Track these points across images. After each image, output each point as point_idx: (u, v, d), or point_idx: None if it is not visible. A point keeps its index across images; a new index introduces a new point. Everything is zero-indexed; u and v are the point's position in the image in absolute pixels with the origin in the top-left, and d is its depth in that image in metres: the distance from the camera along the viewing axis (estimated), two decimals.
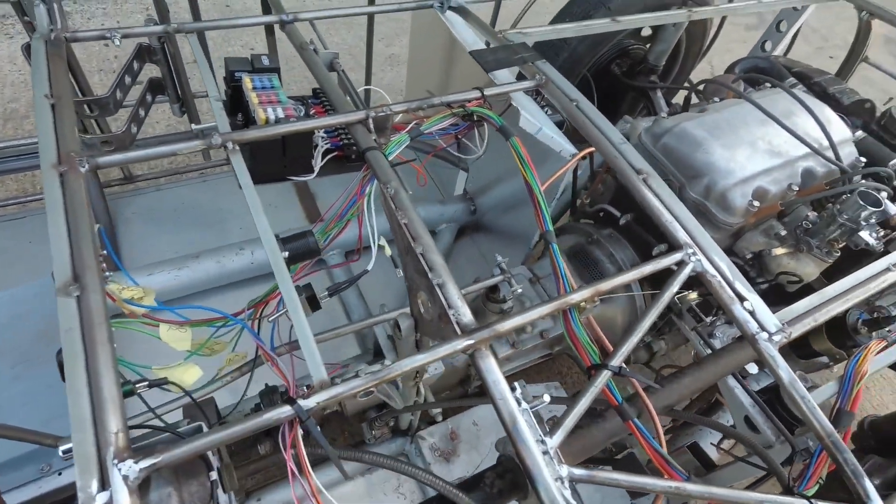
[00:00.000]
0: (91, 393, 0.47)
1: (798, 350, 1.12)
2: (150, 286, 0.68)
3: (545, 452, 0.54)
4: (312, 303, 0.65)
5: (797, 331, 0.67)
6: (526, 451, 0.53)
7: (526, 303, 1.18)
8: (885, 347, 0.75)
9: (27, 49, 1.02)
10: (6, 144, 1.25)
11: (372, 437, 1.15)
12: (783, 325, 0.67)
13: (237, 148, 0.69)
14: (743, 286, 0.68)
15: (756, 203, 0.98)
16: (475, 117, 0.80)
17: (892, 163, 1.17)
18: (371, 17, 1.51)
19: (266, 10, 1.10)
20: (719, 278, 0.69)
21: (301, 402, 0.48)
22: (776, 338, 0.65)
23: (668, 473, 0.60)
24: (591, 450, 0.69)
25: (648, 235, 1.06)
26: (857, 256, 1.02)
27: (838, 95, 1.30)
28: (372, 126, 0.76)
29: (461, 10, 1.06)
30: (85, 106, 1.04)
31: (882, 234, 1.00)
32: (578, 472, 0.54)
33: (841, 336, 1.04)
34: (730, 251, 1.12)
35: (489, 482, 0.59)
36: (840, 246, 1.01)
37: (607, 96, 1.87)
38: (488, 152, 0.97)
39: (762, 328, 0.66)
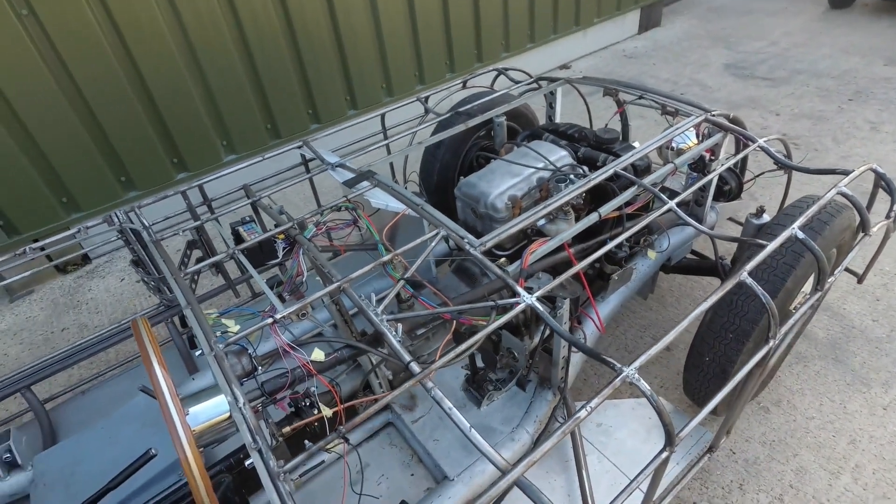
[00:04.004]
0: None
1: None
2: None
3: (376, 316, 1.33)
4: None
5: (489, 244, 1.48)
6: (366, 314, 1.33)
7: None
8: (543, 242, 1.54)
9: (135, 263, 1.99)
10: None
11: None
12: (483, 243, 1.48)
13: (242, 255, 1.58)
14: (468, 235, 1.51)
15: (509, 203, 1.83)
16: (342, 209, 1.71)
17: (601, 157, 2.03)
18: (310, 181, 2.51)
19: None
20: (458, 237, 1.52)
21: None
22: (479, 248, 1.46)
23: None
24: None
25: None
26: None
27: (571, 133, 2.22)
28: (297, 227, 1.66)
29: (341, 165, 2.03)
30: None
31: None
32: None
33: None
34: (523, 232, 1.94)
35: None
36: (565, 209, 1.83)
37: None
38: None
39: (472, 246, 1.47)
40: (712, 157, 2.01)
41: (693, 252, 2.30)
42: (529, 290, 1.36)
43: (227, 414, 1.15)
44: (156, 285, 2.05)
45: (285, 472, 1.00)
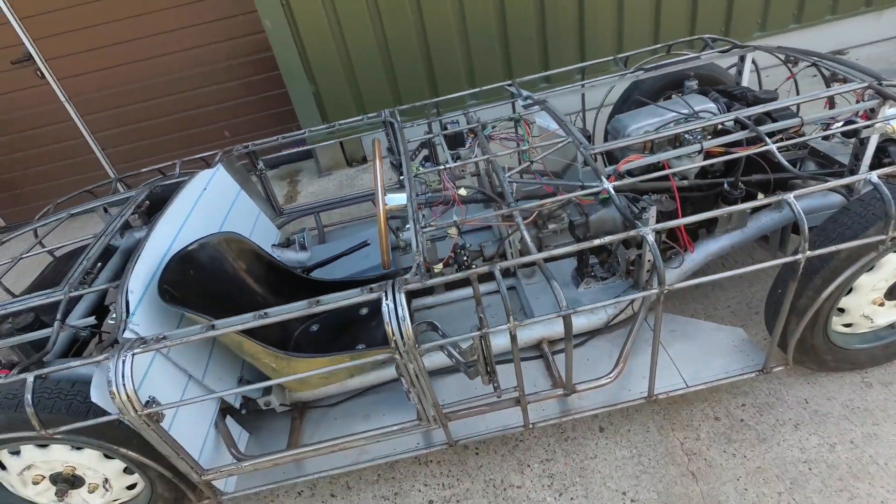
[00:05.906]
0: None
1: None
2: None
3: None
4: None
5: (597, 150, 2.00)
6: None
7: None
8: (641, 157, 1.97)
9: (389, 150, 3.09)
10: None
11: None
12: (593, 148, 2.01)
13: (442, 138, 2.46)
14: (585, 141, 2.06)
15: None
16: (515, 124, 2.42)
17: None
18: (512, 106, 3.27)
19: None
20: (577, 142, 2.08)
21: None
22: (589, 150, 2.00)
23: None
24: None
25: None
26: None
27: (735, 93, 2.44)
28: (480, 126, 2.45)
29: (529, 97, 2.72)
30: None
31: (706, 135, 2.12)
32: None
33: None
34: (654, 164, 2.33)
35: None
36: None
37: None
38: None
39: (585, 148, 2.02)
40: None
41: None
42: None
43: (405, 203, 2.03)
44: (397, 164, 3.13)
45: (424, 228, 1.82)
